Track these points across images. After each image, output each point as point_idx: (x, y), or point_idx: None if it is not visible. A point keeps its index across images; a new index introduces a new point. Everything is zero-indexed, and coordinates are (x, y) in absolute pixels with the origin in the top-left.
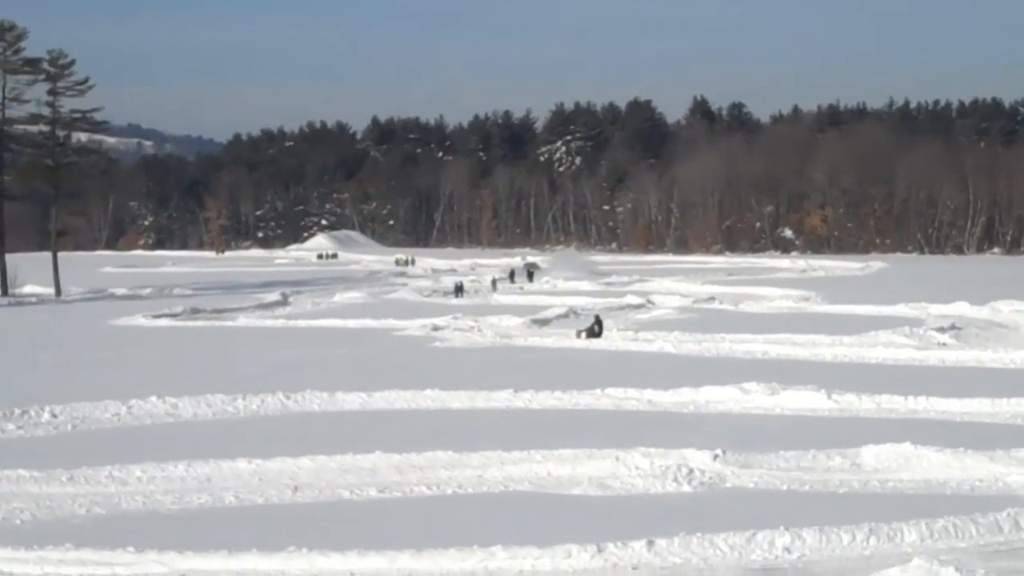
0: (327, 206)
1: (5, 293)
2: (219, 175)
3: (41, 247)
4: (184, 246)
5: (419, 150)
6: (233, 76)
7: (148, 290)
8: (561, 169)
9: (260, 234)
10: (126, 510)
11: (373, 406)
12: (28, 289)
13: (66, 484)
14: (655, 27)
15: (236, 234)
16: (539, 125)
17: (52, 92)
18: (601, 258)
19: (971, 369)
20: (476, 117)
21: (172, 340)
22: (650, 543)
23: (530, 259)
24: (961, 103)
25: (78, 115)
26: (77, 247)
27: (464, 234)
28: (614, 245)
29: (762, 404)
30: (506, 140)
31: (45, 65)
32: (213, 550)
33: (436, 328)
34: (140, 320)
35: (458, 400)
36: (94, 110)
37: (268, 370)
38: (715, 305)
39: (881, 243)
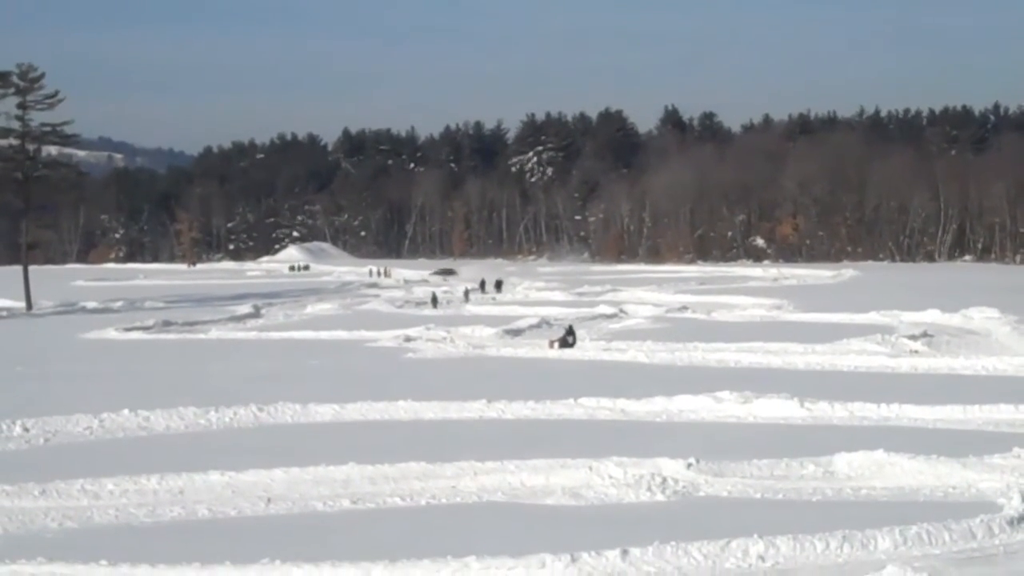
0: (298, 218)
1: None
2: (190, 188)
3: (11, 261)
4: (155, 259)
5: (390, 161)
6: (204, 89)
7: (119, 303)
8: (533, 180)
9: (231, 246)
10: (98, 523)
11: (346, 417)
12: None
13: (38, 498)
14: (626, 38)
15: (207, 247)
16: (510, 136)
17: (22, 106)
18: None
19: (943, 376)
20: (447, 128)
21: (144, 353)
22: (624, 552)
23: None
24: (931, 111)
25: (48, 128)
26: (48, 260)
27: (436, 245)
28: (586, 255)
29: (735, 413)
30: (477, 151)
31: (14, 78)
32: (186, 563)
33: (409, 339)
34: (112, 333)
35: (431, 411)
36: (64, 123)
37: (240, 382)
38: (687, 314)
39: (853, 251)
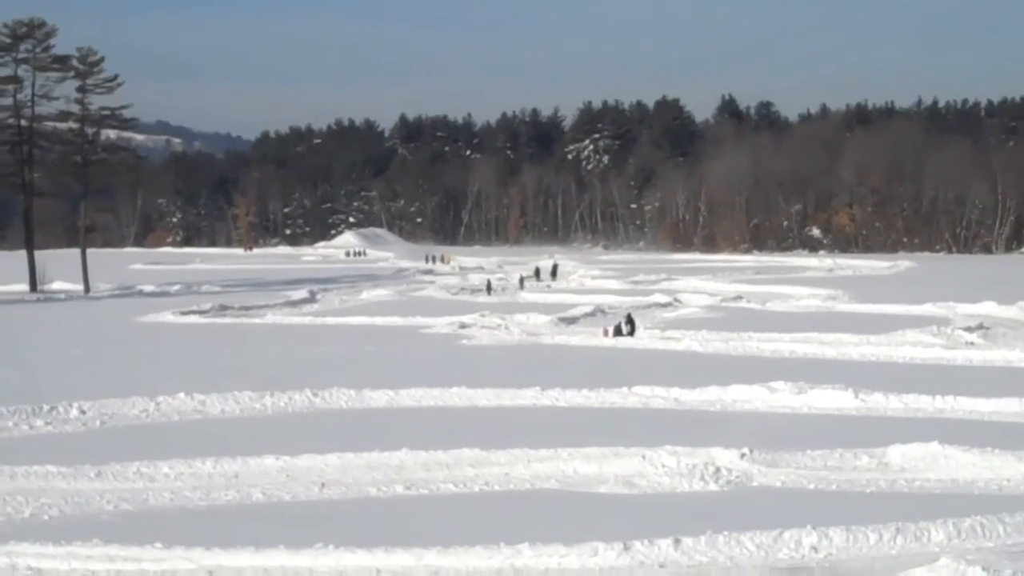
0: (355, 204)
1: (34, 289)
2: (247, 172)
3: (70, 243)
4: (212, 243)
5: (447, 148)
6: (261, 74)
7: (176, 287)
8: (589, 167)
9: (288, 231)
10: (154, 506)
11: (400, 403)
12: (57, 285)
13: (94, 480)
14: (683, 25)
15: (264, 231)
16: (567, 123)
17: (81, 89)
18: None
19: (999, 368)
20: (504, 115)
21: (200, 337)
22: (677, 541)
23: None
24: (990, 102)
25: (107, 112)
26: (106, 244)
27: (492, 232)
28: (641, 243)
29: (789, 403)
30: (534, 138)
31: (74, 62)
32: (240, 546)
33: (463, 326)
34: (168, 317)
35: (485, 398)
36: (123, 107)
37: (295, 367)
38: (742, 304)
39: (909, 242)
